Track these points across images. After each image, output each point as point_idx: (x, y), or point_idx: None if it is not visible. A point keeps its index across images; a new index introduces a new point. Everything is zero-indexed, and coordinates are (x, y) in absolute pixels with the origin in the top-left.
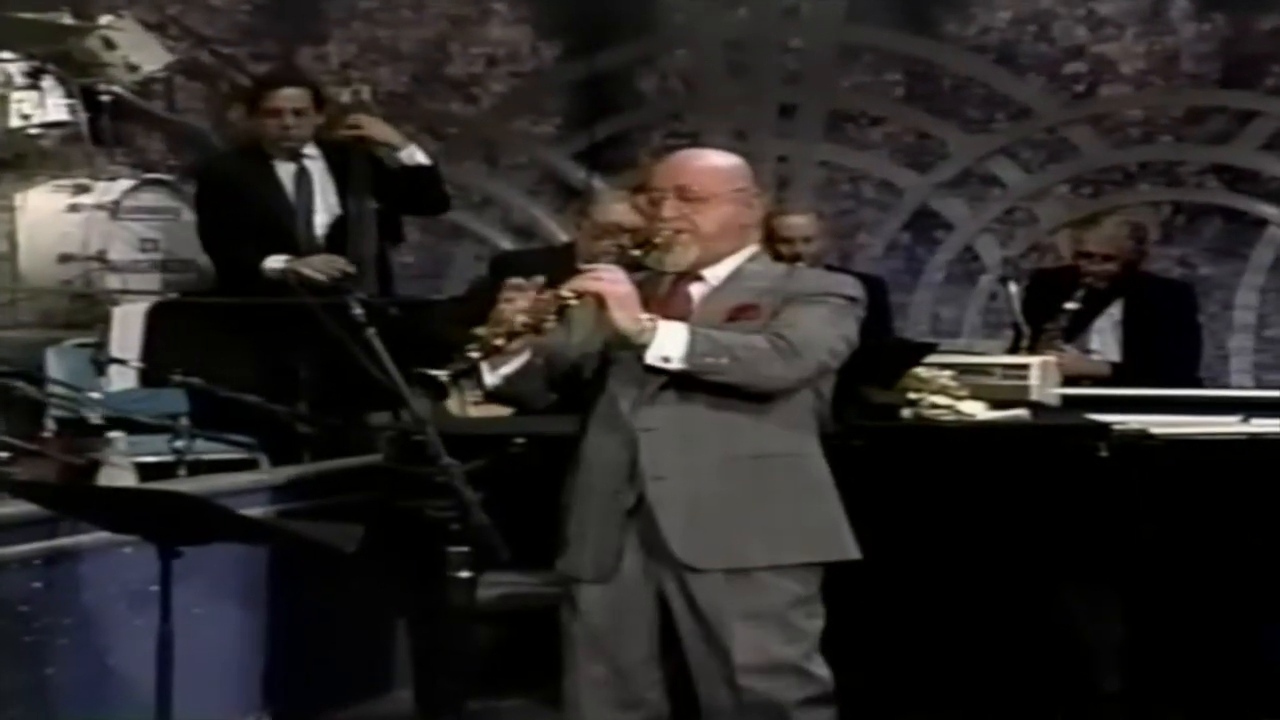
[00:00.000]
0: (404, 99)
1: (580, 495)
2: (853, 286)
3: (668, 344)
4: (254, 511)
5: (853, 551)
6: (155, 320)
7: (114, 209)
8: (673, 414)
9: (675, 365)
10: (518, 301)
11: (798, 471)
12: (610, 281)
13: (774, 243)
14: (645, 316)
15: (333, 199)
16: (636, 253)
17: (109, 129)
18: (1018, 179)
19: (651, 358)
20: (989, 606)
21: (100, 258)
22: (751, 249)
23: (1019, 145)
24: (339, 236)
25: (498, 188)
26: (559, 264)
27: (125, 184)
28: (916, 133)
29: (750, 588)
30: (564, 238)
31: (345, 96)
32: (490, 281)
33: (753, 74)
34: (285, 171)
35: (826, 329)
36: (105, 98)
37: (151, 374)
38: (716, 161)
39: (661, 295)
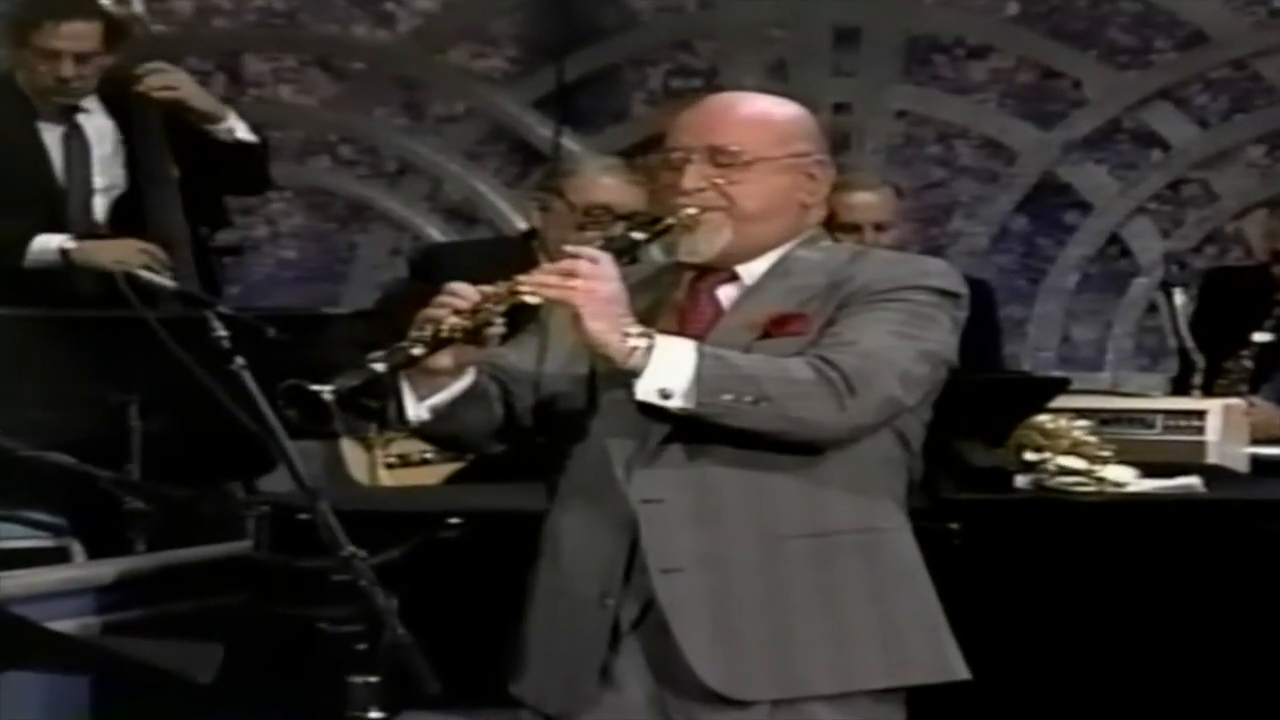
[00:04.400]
0: (284, 19)
1: (546, 596)
2: (945, 276)
3: (667, 371)
4: (65, 624)
5: (959, 669)
6: None
7: None
8: (687, 477)
9: (676, 404)
10: (455, 300)
11: (874, 555)
12: (588, 275)
13: (831, 228)
14: (636, 329)
15: (118, 170)
16: (638, 235)
17: None
18: (1187, 137)
19: (644, 391)
20: None
21: None
22: (808, 234)
23: (1189, 88)
24: (128, 218)
25: (422, 149)
26: (511, 262)
27: None
28: (1037, 69)
29: None
30: (519, 224)
31: (107, 4)
32: (411, 287)
33: None
34: (52, 135)
35: (899, 346)
36: None
37: None
38: (768, 112)
39: (677, 300)
